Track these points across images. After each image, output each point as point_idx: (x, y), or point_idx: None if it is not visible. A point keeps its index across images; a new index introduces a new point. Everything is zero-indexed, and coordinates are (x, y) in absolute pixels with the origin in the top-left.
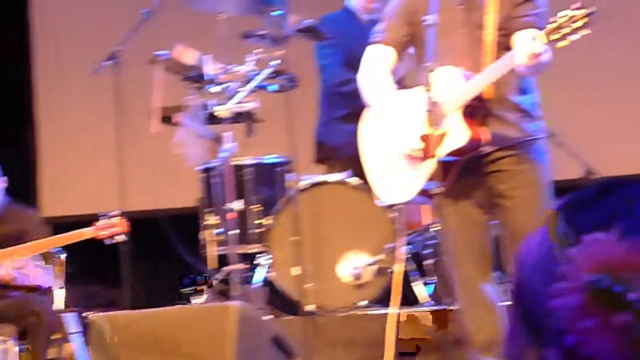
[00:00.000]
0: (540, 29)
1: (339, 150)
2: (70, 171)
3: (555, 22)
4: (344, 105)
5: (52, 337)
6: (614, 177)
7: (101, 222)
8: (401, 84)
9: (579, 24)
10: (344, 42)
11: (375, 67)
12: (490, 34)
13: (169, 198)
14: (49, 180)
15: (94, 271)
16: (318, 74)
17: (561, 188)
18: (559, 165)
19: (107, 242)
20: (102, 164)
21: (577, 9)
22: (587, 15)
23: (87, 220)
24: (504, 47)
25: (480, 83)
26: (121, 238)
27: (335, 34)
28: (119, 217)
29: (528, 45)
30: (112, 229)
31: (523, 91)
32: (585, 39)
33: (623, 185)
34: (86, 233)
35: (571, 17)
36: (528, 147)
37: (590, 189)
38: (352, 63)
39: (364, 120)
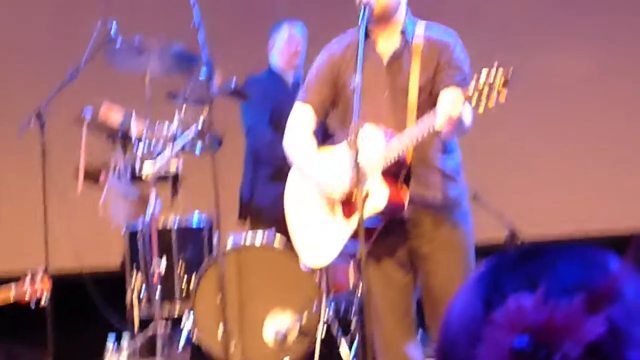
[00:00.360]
0: (462, 92)
1: (263, 210)
2: None
3: (475, 84)
4: (269, 165)
5: None
6: (537, 240)
7: (25, 284)
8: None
9: (497, 86)
10: (269, 102)
11: (298, 128)
12: (413, 97)
13: (94, 258)
14: None
15: (18, 331)
16: (244, 133)
17: (484, 250)
18: (482, 227)
19: (32, 305)
20: (27, 224)
21: (496, 69)
22: (505, 76)
23: (10, 279)
24: (427, 110)
25: (400, 145)
26: (44, 299)
27: (261, 94)
28: (42, 277)
29: (448, 108)
30: (36, 293)
31: (446, 152)
32: (508, 101)
33: (547, 249)
34: (12, 297)
35: (491, 79)
36: (450, 210)
37: (514, 252)
38: (278, 123)
39: (289, 180)
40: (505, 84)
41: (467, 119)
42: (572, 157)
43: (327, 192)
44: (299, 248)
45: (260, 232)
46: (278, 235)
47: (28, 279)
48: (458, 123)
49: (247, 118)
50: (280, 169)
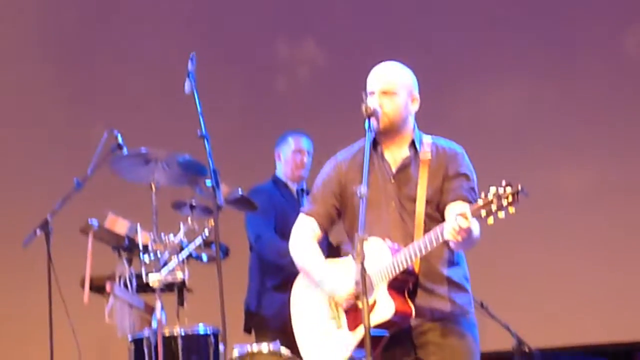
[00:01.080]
0: (471, 204)
1: (269, 321)
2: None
3: (483, 198)
4: (276, 275)
5: None
6: (543, 349)
7: None
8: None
9: (506, 201)
10: (274, 211)
11: (302, 236)
12: (420, 207)
13: None
14: None
15: None
16: (250, 243)
17: (492, 359)
18: (489, 337)
19: None
20: (33, 333)
21: (505, 187)
22: (514, 194)
23: None
24: (434, 220)
25: (406, 257)
26: None
27: (266, 203)
28: None
29: (456, 220)
30: None
31: (453, 264)
32: (514, 215)
33: None
34: None
35: (499, 195)
36: (457, 319)
37: None
38: (283, 232)
39: (295, 285)
40: (513, 202)
41: (476, 231)
42: (577, 269)
43: (332, 299)
44: (304, 353)
45: (265, 344)
46: (283, 347)
47: None
48: (467, 234)
49: (252, 228)
50: (286, 279)
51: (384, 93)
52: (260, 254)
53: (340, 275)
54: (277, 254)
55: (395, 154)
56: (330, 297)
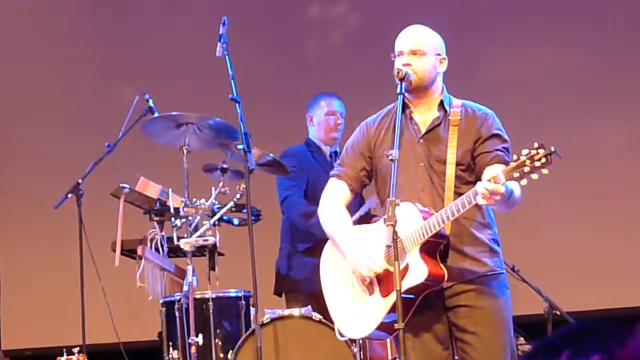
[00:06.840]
0: (506, 165)
1: (300, 284)
2: (31, 304)
3: (516, 160)
4: (307, 239)
5: None
6: (574, 312)
7: None
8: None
9: (539, 163)
10: (306, 174)
11: (331, 202)
12: (450, 168)
13: (131, 330)
14: (10, 312)
15: None
16: (280, 206)
17: (523, 322)
18: (520, 301)
19: None
20: (64, 297)
21: (537, 148)
22: (546, 155)
23: (48, 355)
24: (463, 181)
25: (438, 221)
26: None
27: (298, 167)
28: (78, 356)
29: (486, 184)
30: None
31: (484, 226)
32: (546, 178)
33: (584, 330)
34: None
35: (532, 156)
36: (489, 281)
37: (553, 337)
38: (315, 195)
39: (325, 253)
40: (546, 163)
41: (516, 192)
42: (611, 231)
43: (360, 274)
44: (335, 317)
45: (297, 308)
46: (314, 312)
47: (64, 358)
48: (501, 197)
49: (281, 190)
50: (317, 243)
51: (413, 52)
52: (287, 218)
53: (367, 246)
54: (301, 216)
55: (424, 116)
56: (356, 271)
